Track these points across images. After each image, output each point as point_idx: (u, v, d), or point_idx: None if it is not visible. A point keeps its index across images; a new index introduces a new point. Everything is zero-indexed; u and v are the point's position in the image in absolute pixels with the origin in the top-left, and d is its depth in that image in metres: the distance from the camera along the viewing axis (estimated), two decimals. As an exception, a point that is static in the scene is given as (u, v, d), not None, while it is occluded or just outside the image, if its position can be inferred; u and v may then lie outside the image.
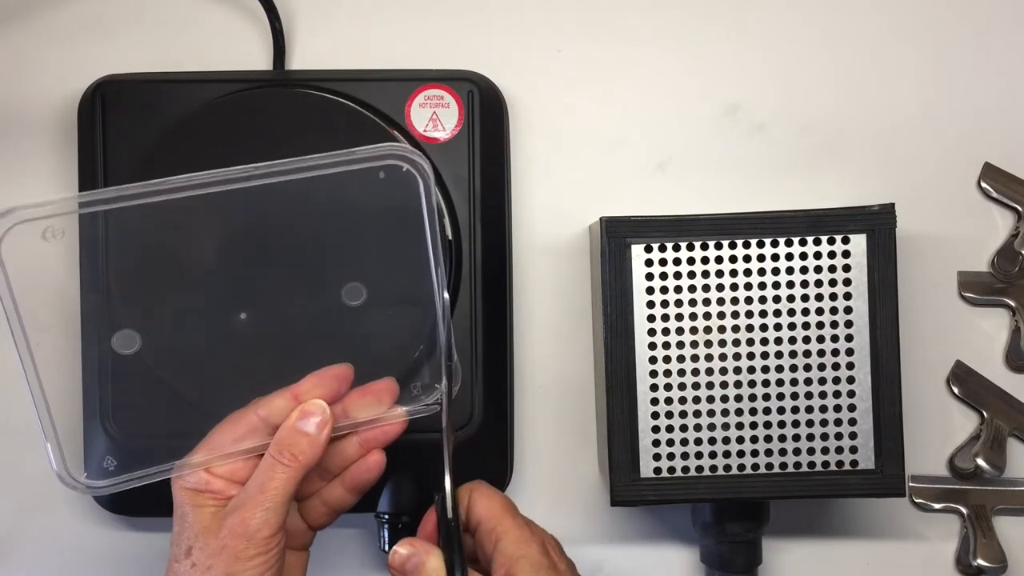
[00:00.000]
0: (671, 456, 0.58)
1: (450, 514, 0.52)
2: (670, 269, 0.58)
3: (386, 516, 0.62)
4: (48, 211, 0.50)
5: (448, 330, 0.53)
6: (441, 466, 0.53)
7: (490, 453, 0.63)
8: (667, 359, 0.58)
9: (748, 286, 0.58)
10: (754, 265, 0.58)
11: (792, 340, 0.58)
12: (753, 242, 0.58)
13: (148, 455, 0.52)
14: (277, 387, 0.51)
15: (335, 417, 0.51)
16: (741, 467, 0.58)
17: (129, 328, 0.54)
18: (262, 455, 0.51)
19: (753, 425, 0.58)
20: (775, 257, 0.58)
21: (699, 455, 0.58)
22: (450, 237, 0.60)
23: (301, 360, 0.54)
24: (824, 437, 0.58)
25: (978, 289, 0.66)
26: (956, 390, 0.66)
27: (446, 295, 0.53)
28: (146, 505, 0.63)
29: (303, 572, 0.55)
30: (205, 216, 0.55)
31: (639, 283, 0.59)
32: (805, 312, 0.58)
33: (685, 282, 0.58)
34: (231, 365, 0.55)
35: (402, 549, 0.51)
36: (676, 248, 0.58)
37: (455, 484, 0.53)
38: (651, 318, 0.58)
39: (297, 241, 0.56)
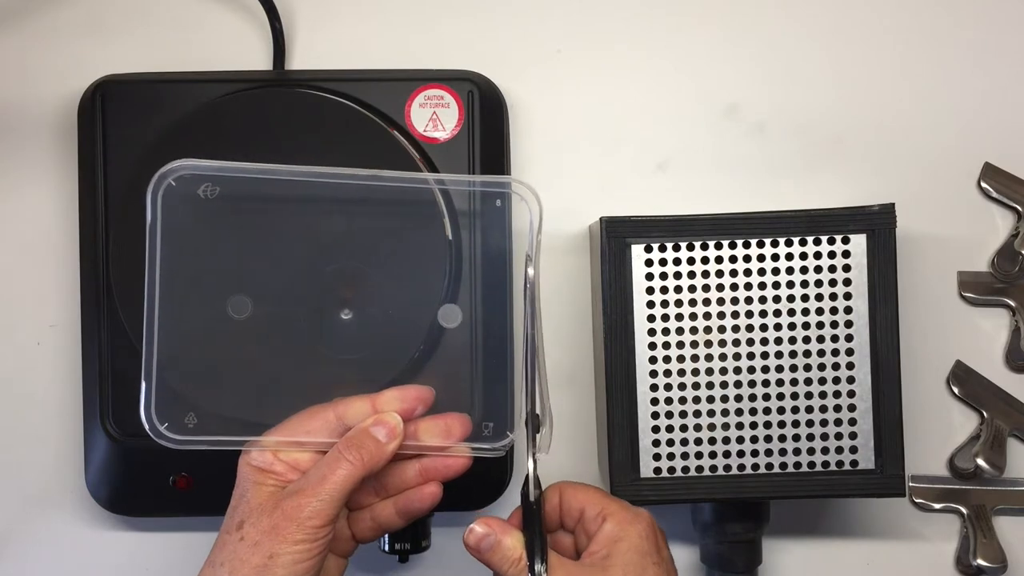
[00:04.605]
0: (671, 456, 0.58)
1: (531, 497, 0.52)
2: (670, 269, 0.58)
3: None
4: (209, 170, 0.55)
5: (534, 350, 0.53)
6: (525, 451, 0.53)
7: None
8: (667, 359, 0.58)
9: (748, 286, 0.58)
10: (754, 265, 0.58)
11: (792, 340, 0.58)
12: (753, 242, 0.58)
13: (225, 424, 0.54)
14: (356, 390, 0.53)
15: (405, 435, 0.52)
16: (741, 467, 0.58)
17: (244, 295, 0.56)
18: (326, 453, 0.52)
19: (753, 425, 0.58)
20: (775, 257, 0.58)
21: (699, 455, 0.58)
22: (450, 237, 0.60)
23: (387, 370, 0.56)
24: (824, 437, 0.58)
25: (978, 289, 0.66)
26: (956, 390, 0.66)
27: (533, 330, 0.53)
28: (146, 505, 0.64)
29: None
30: (320, 210, 0.58)
31: (639, 283, 0.59)
32: (805, 312, 0.58)
33: (685, 282, 0.58)
34: (323, 357, 0.57)
35: (479, 527, 0.52)
36: (676, 248, 0.58)
37: (536, 471, 0.53)
38: (651, 318, 0.58)
39: (402, 253, 0.59)
